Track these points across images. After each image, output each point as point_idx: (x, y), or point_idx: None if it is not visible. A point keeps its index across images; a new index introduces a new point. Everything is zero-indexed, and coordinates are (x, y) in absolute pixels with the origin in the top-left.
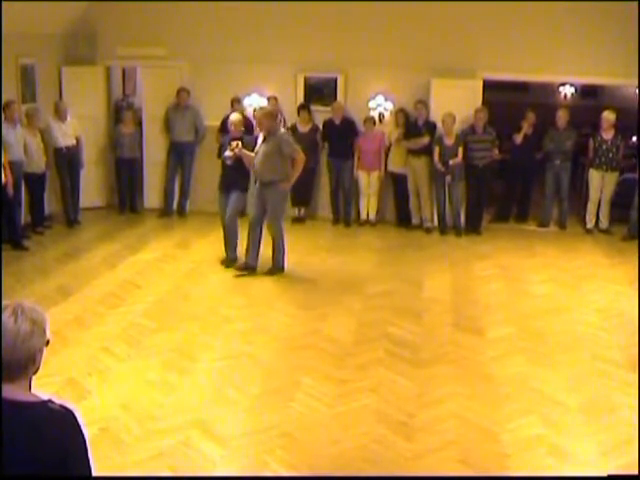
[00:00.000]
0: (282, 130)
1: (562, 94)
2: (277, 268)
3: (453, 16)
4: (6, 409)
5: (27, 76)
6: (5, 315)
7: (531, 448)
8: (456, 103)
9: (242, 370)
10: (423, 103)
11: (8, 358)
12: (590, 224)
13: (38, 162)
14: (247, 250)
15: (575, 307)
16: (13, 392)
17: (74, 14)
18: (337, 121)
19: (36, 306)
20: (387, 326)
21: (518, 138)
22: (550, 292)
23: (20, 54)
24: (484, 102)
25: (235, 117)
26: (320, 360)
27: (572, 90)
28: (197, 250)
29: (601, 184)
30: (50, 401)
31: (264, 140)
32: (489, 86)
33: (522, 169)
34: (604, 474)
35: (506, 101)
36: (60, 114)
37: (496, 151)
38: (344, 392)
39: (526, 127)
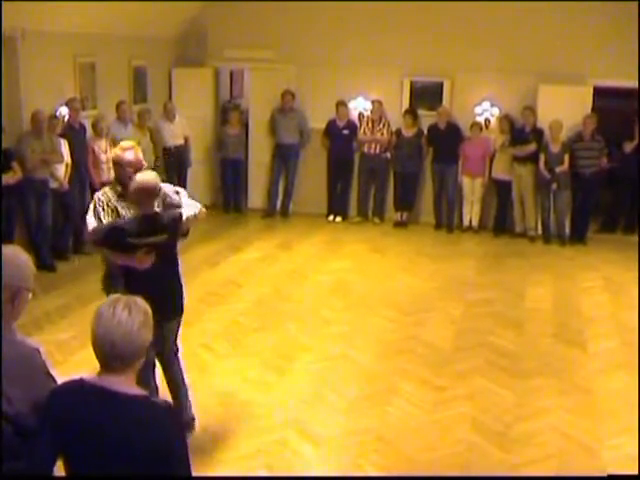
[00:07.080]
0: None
1: None
2: None
3: (563, 21)
4: (111, 401)
5: (139, 78)
6: (118, 309)
7: (633, 467)
8: (564, 110)
9: (340, 372)
10: (530, 109)
11: (123, 349)
12: None
13: (147, 161)
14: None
15: None
16: (119, 384)
17: (186, 17)
18: (442, 126)
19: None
20: (487, 334)
21: (629, 147)
22: None
23: (133, 57)
24: (594, 109)
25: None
26: (418, 366)
27: None
28: (299, 251)
29: None
30: (152, 395)
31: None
32: (599, 93)
33: (631, 179)
34: None
35: (617, 108)
36: (169, 114)
37: (604, 160)
38: (441, 399)
39: (638, 136)
